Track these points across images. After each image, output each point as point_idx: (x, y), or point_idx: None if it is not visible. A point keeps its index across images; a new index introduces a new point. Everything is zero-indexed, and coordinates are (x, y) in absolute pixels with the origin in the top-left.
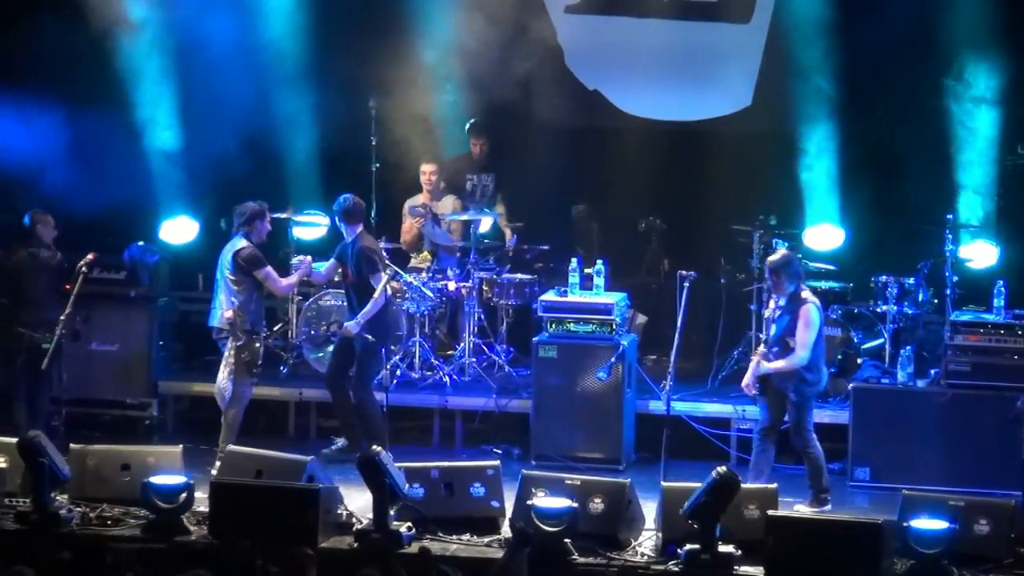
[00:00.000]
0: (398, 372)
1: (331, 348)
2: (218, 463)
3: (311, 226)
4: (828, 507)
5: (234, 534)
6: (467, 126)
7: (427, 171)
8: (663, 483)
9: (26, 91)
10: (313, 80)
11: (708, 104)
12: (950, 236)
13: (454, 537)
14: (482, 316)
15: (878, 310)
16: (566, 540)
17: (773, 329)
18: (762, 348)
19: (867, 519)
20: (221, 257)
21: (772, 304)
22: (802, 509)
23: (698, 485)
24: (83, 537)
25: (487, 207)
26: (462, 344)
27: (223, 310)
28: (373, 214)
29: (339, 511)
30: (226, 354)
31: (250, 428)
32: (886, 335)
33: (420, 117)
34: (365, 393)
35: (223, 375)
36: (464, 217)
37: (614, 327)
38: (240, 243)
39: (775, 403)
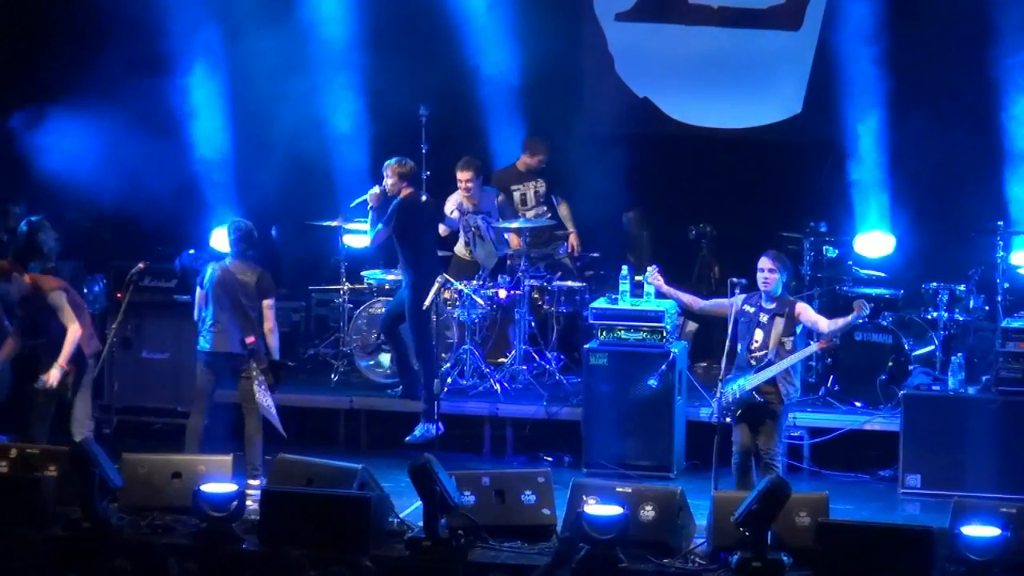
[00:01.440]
0: (449, 380)
1: (381, 357)
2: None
3: (361, 234)
4: None
5: (284, 543)
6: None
7: (462, 178)
8: (714, 490)
9: (78, 101)
10: (364, 87)
11: (758, 111)
12: (1001, 242)
13: (505, 545)
14: (533, 324)
15: (929, 317)
16: (616, 548)
17: (760, 334)
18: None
19: (918, 526)
20: (220, 278)
21: (745, 306)
22: None
23: (748, 493)
24: (136, 545)
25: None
26: (513, 352)
27: (244, 335)
28: None
29: (390, 519)
30: (255, 375)
31: (301, 436)
32: (937, 342)
33: (471, 125)
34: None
35: (263, 395)
36: (515, 225)
37: (665, 334)
38: (248, 266)
39: (756, 421)
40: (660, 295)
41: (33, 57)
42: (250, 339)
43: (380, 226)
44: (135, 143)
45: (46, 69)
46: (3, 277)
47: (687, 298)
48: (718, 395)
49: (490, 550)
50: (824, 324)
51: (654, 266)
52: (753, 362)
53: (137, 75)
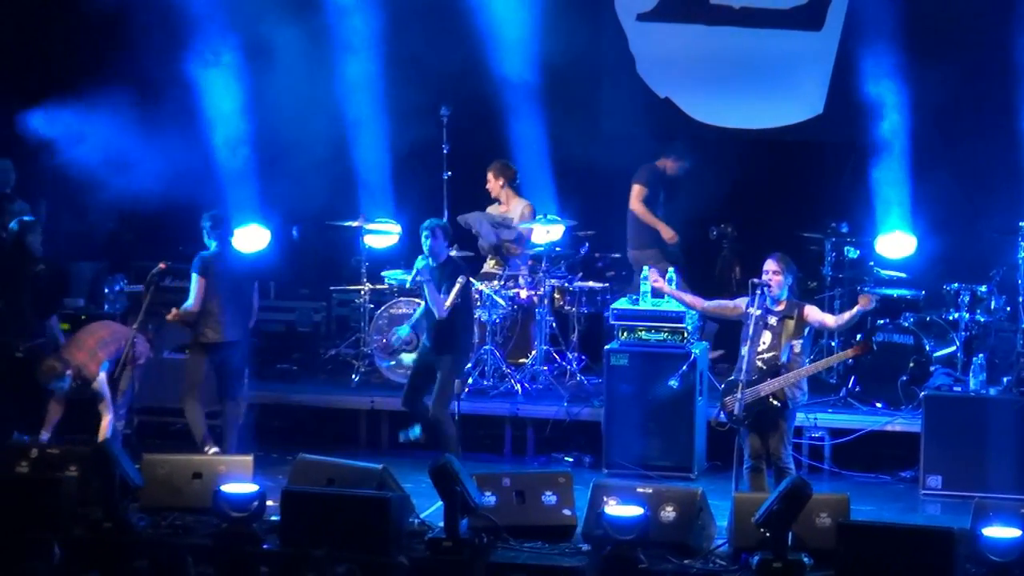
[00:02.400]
0: (470, 380)
1: (403, 357)
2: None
3: (382, 234)
4: None
5: (305, 543)
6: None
7: (490, 182)
8: (735, 491)
9: (100, 99)
10: (384, 87)
11: (779, 112)
12: (1022, 243)
13: (526, 545)
14: (553, 324)
15: (950, 318)
16: (637, 548)
17: (768, 336)
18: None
19: (940, 527)
20: (231, 265)
21: (751, 309)
22: None
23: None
24: (157, 545)
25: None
26: (533, 352)
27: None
28: (445, 223)
29: (411, 519)
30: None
31: (321, 437)
32: (958, 343)
33: (492, 126)
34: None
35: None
36: (534, 224)
37: (685, 335)
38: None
39: (766, 425)
40: (656, 294)
41: (55, 53)
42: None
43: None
44: (157, 143)
45: (67, 66)
46: (55, 376)
47: (689, 299)
48: (731, 398)
49: (510, 550)
50: (831, 321)
51: (652, 268)
52: (761, 364)
53: (159, 75)
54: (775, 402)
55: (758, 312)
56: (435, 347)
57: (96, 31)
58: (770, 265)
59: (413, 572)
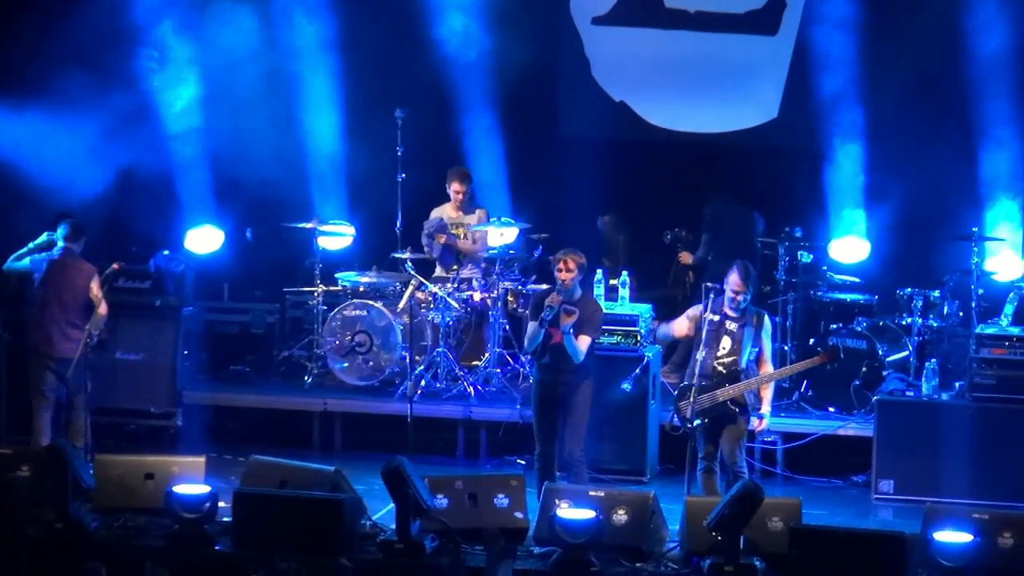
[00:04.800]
0: (423, 383)
1: (355, 358)
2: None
3: (336, 236)
4: None
5: (257, 545)
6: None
7: (459, 190)
8: (687, 495)
9: (52, 100)
10: (339, 89)
11: (734, 116)
12: (975, 249)
13: (477, 548)
14: (507, 327)
15: (903, 322)
16: (589, 552)
17: (727, 341)
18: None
19: (891, 532)
20: (54, 267)
21: (708, 314)
22: None
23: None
24: (109, 546)
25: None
26: (487, 355)
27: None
28: (399, 225)
29: (363, 521)
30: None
31: (274, 438)
32: (911, 347)
33: (447, 128)
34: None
35: None
36: (488, 228)
37: (639, 338)
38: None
39: (720, 429)
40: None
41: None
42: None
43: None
44: (109, 144)
45: (13, 65)
46: None
47: (676, 329)
48: (684, 403)
49: (462, 554)
50: (764, 367)
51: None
52: (721, 369)
53: (110, 75)
54: (734, 407)
55: (715, 317)
56: None
57: (46, 28)
58: (735, 282)
59: (365, 574)
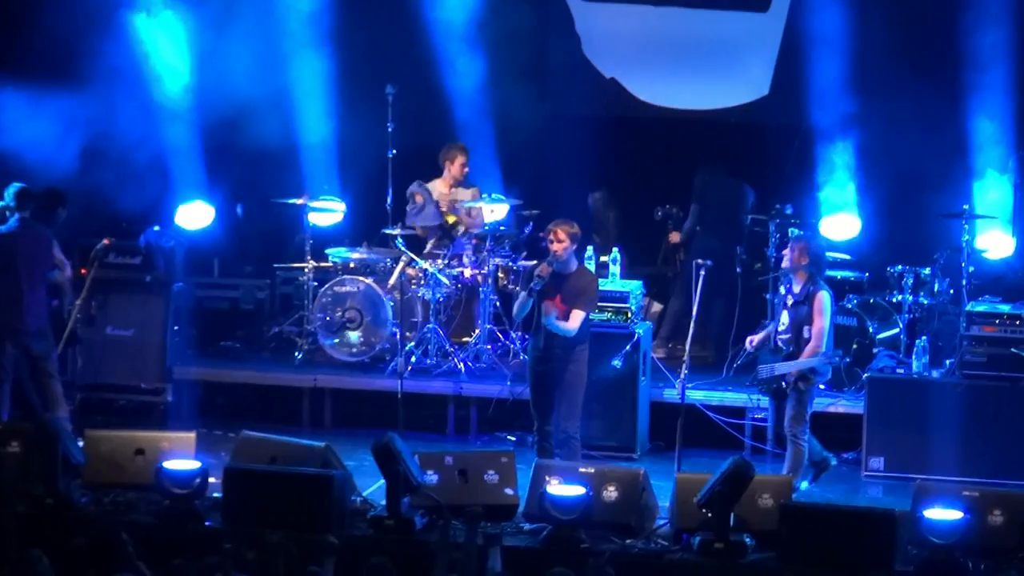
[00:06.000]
0: (413, 359)
1: (346, 334)
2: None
3: (326, 212)
4: None
5: (247, 521)
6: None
7: (466, 163)
8: (677, 472)
9: (40, 77)
10: (330, 65)
11: (725, 93)
12: (966, 226)
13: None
14: (497, 303)
15: (894, 300)
16: (579, 528)
17: (785, 318)
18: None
19: (881, 509)
20: (12, 239)
21: (781, 288)
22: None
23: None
24: (97, 522)
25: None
26: (477, 331)
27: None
28: (389, 201)
29: (353, 497)
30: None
31: (264, 414)
32: (901, 325)
33: (437, 105)
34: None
35: None
36: (480, 204)
37: (629, 315)
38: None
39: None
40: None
41: None
42: None
43: None
44: (99, 120)
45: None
46: None
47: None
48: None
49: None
50: (808, 332)
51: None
52: (780, 344)
53: (97, 50)
54: (786, 379)
55: (783, 291)
56: None
57: (40, 14)
58: (784, 260)
59: (355, 550)
